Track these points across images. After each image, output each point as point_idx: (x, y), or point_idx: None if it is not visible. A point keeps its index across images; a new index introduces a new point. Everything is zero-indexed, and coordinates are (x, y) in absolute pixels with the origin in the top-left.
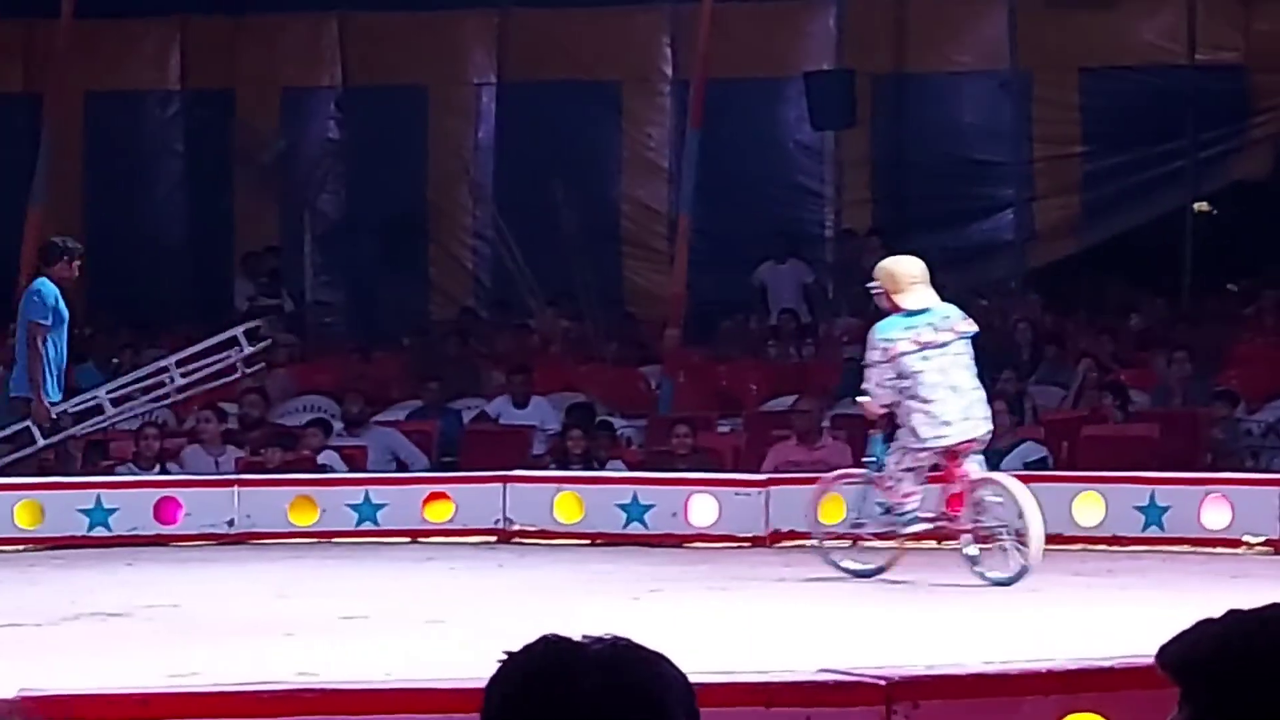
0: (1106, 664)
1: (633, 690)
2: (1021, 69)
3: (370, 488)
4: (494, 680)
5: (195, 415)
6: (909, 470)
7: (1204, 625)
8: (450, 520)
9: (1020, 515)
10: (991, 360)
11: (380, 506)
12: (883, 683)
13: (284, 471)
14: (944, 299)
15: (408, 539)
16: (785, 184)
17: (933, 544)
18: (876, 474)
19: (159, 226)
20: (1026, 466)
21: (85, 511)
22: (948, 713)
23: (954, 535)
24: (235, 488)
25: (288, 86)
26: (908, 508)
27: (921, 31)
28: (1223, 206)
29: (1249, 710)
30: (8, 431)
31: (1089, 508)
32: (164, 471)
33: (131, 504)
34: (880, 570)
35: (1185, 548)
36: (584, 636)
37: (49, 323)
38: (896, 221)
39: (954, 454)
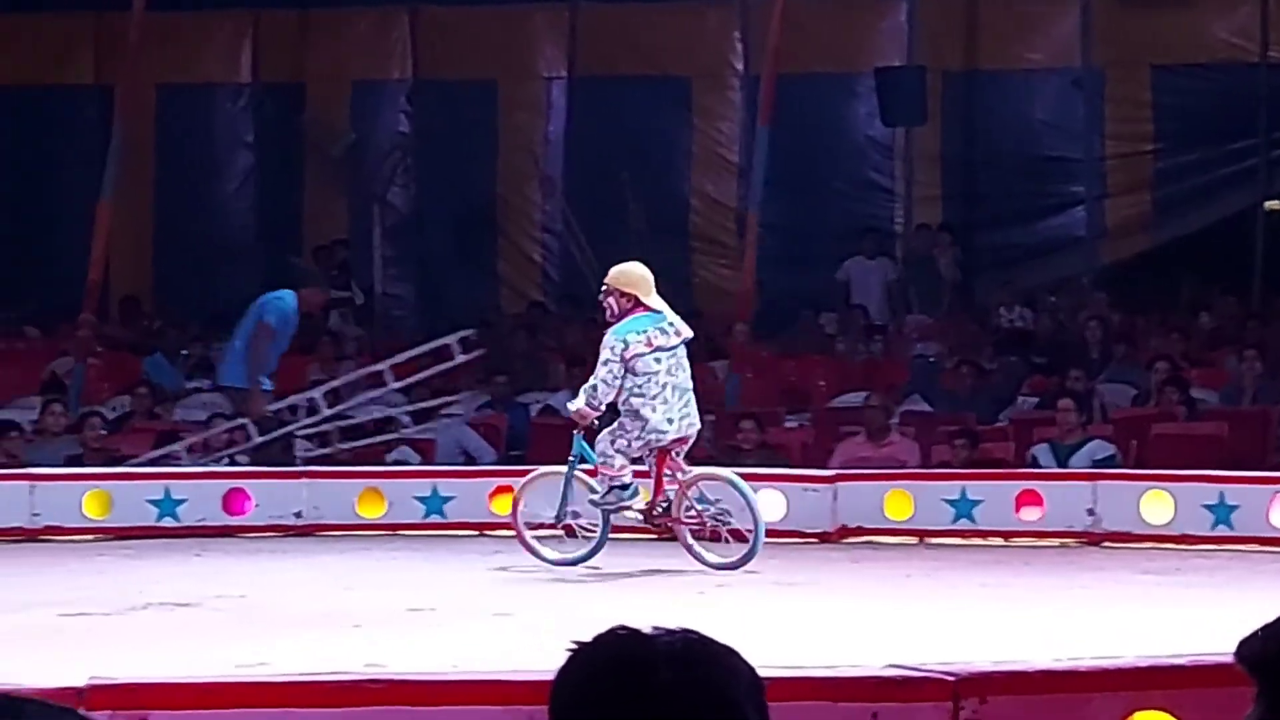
0: (1176, 662)
1: (704, 684)
2: (1094, 66)
3: (438, 480)
4: (564, 671)
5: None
6: (623, 454)
7: None
8: None
9: (744, 509)
10: (1060, 358)
11: (448, 499)
12: (950, 678)
13: (352, 464)
14: (1013, 295)
15: (475, 532)
16: (855, 180)
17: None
18: (582, 467)
19: (229, 219)
20: (1095, 464)
21: (154, 502)
22: (1015, 709)
23: (669, 530)
24: (304, 480)
25: (358, 80)
26: (626, 479)
27: (994, 28)
28: None
29: None
30: (226, 427)
31: (1158, 506)
32: (232, 463)
33: (200, 495)
34: (584, 559)
35: (1254, 546)
36: (654, 628)
37: (277, 331)
38: (966, 218)
39: (666, 451)
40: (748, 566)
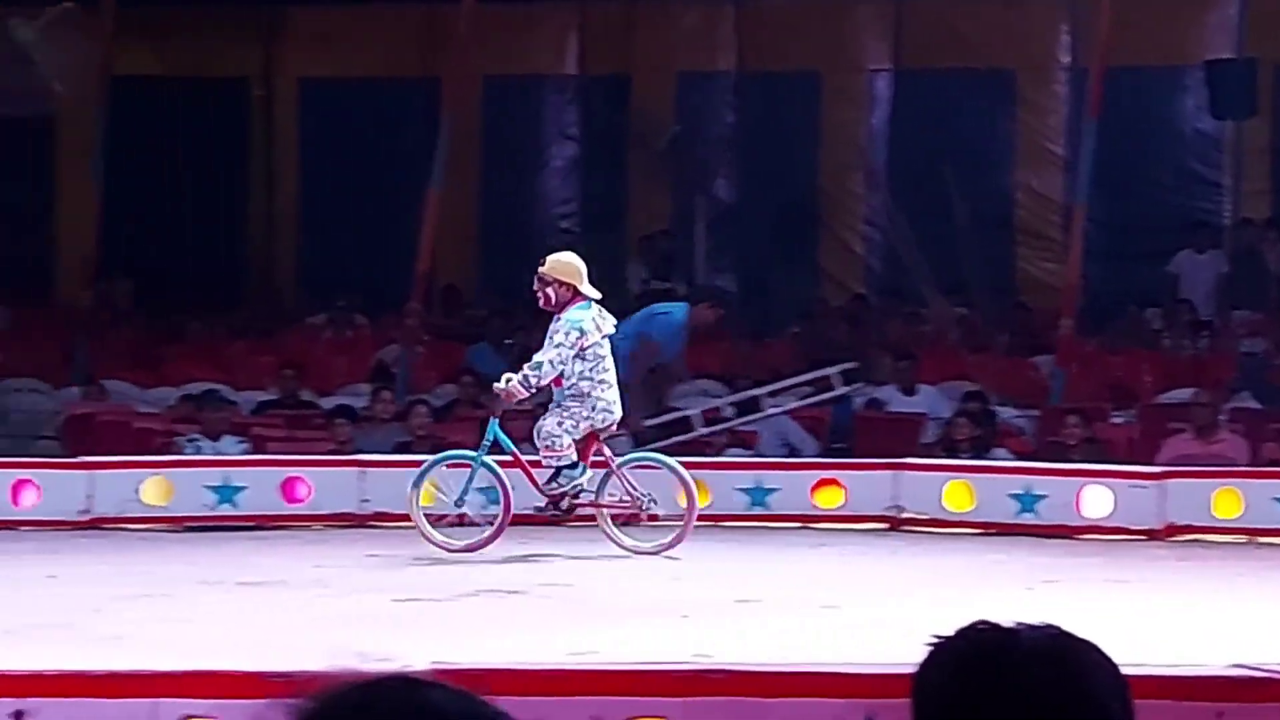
0: None
1: (1070, 680)
2: None
3: (761, 472)
4: (927, 666)
5: None
6: (570, 434)
7: None
8: (841, 506)
9: (681, 492)
10: None
11: (771, 491)
12: None
13: (674, 454)
14: None
15: (798, 524)
16: (1182, 173)
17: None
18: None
19: (552, 210)
20: None
21: (481, 490)
22: None
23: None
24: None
25: (683, 71)
26: (572, 457)
27: None
28: None
29: None
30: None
31: None
32: None
33: (526, 484)
34: (480, 546)
35: None
36: (1018, 623)
37: (661, 348)
38: None
39: (596, 435)
40: (671, 552)
